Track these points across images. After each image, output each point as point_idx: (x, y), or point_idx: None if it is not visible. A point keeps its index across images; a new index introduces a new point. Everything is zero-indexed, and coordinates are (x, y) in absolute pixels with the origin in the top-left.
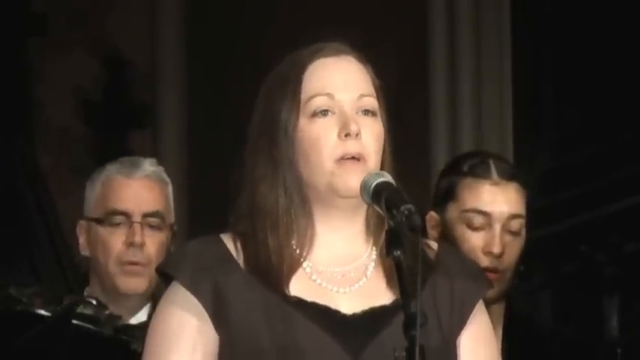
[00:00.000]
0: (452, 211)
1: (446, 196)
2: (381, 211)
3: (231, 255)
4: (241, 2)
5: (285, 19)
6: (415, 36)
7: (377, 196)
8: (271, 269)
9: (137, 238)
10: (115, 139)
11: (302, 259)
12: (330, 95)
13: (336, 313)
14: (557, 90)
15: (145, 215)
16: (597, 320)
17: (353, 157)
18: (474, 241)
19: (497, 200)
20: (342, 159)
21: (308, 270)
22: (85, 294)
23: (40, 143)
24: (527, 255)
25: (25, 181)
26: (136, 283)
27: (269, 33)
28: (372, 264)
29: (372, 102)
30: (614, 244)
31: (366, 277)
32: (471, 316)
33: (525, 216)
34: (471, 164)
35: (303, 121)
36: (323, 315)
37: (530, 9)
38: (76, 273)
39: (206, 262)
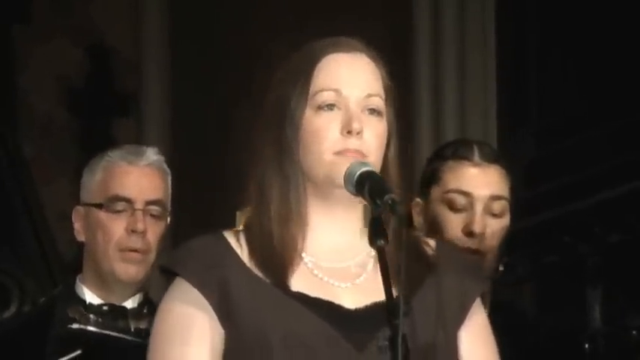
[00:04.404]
0: (435, 194)
1: (429, 180)
2: (364, 201)
3: (234, 251)
4: None
5: (271, 6)
6: (400, 27)
7: (360, 185)
8: (274, 260)
9: (140, 225)
10: (99, 127)
11: (301, 251)
12: (337, 91)
13: (340, 307)
14: (540, 80)
15: (148, 203)
16: (580, 311)
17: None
18: (455, 221)
19: (478, 181)
20: (341, 153)
21: (310, 265)
22: (77, 280)
23: (23, 131)
24: (511, 246)
25: (8, 169)
26: (135, 271)
27: (254, 20)
28: (372, 260)
29: (378, 102)
30: (597, 235)
31: (366, 272)
32: (470, 312)
33: (509, 200)
34: (454, 148)
35: (309, 113)
36: (327, 310)
37: None
38: (60, 261)
39: (210, 258)
